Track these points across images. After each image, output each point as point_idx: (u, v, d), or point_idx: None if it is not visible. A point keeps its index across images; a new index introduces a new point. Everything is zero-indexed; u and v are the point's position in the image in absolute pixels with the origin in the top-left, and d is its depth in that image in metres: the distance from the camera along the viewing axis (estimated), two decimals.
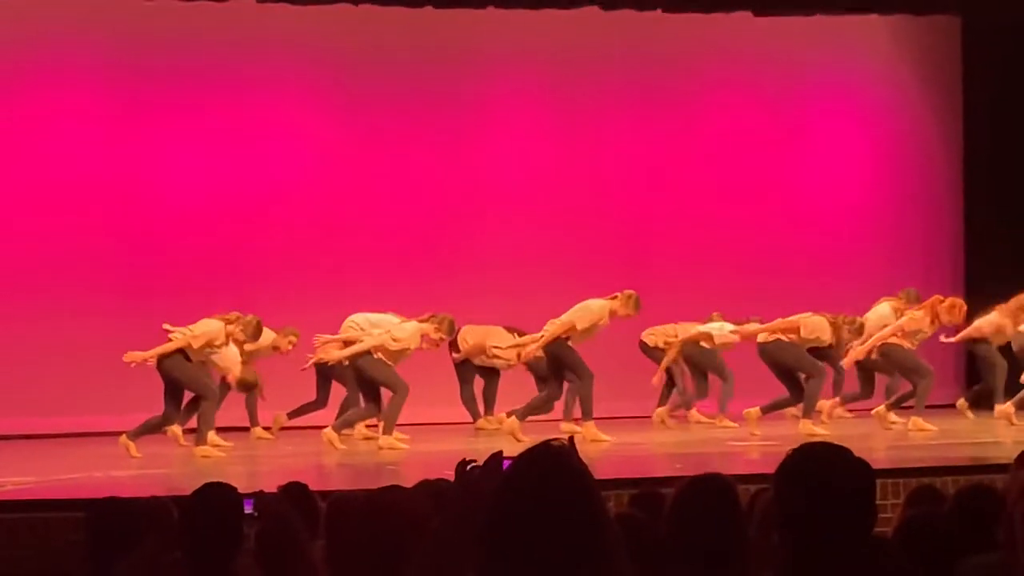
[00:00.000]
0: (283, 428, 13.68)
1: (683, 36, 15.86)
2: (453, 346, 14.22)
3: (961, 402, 14.42)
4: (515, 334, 13.92)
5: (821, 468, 3.24)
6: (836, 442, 3.39)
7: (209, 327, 12.20)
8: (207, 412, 12.20)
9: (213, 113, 15.17)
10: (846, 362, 13.43)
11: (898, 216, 16.47)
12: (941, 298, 13.23)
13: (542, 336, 12.77)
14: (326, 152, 15.45)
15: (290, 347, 13.72)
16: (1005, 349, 13.91)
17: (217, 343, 12.27)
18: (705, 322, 14.37)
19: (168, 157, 15.06)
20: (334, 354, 12.86)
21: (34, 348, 14.34)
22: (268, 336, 13.39)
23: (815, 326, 12.99)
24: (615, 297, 12.83)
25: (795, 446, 3.39)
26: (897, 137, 16.76)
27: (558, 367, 12.82)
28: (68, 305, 14.31)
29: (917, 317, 13.17)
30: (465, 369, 14.35)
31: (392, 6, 14.58)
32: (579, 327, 12.64)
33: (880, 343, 13.19)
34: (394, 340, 12.48)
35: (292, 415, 13.79)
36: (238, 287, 14.53)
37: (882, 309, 13.80)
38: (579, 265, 14.50)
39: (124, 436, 12.00)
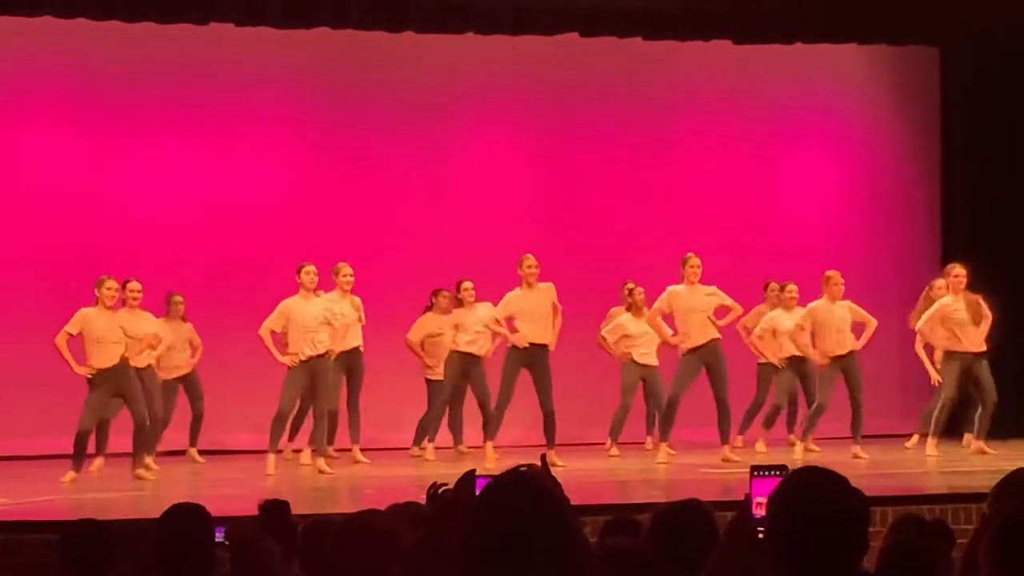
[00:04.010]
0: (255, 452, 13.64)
1: (662, 63, 15.89)
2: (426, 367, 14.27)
3: (968, 439, 14.14)
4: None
5: (820, 495, 3.19)
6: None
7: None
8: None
9: (189, 137, 15.17)
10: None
11: (875, 245, 16.51)
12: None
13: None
14: (304, 175, 15.45)
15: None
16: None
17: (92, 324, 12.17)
18: None
19: (141, 180, 15.05)
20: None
21: (10, 370, 14.30)
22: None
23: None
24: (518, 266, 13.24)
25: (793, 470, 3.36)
26: (875, 166, 16.81)
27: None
28: (42, 327, 14.24)
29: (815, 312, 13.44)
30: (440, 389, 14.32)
31: (372, 30, 14.62)
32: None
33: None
34: None
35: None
36: (212, 312, 14.51)
37: None
38: (557, 290, 14.49)
39: (137, 471, 12.05)
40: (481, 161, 15.89)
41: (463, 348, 13.61)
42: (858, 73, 16.69)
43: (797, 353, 13.98)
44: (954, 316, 13.36)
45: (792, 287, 14.29)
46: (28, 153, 14.86)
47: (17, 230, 14.68)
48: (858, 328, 13.57)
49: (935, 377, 13.68)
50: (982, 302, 13.46)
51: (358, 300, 13.75)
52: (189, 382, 14.02)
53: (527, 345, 13.02)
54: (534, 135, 15.96)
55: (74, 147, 14.97)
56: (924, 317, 13.63)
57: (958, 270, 13.58)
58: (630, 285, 14.21)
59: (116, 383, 12.20)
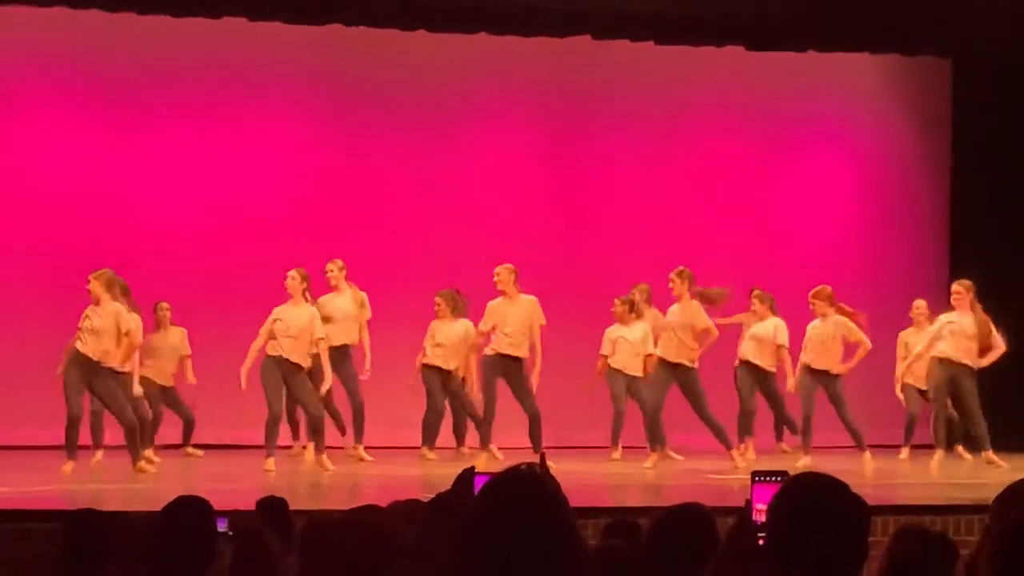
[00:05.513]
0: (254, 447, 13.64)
1: (674, 68, 15.88)
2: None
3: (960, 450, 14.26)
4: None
5: (820, 502, 3.18)
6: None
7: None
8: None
9: (198, 132, 15.17)
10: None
11: (883, 256, 16.49)
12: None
13: None
14: (313, 172, 15.44)
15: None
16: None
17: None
18: None
19: (149, 175, 15.03)
20: None
21: (12, 359, 14.29)
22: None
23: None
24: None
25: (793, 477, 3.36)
26: (885, 176, 16.78)
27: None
28: (44, 317, 14.24)
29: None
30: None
31: (385, 28, 14.61)
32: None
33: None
34: None
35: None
36: (215, 306, 14.50)
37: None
38: (564, 291, 14.49)
39: (136, 464, 11.86)
40: (491, 161, 15.86)
41: (435, 362, 13.63)
42: (870, 83, 16.67)
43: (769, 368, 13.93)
44: (955, 327, 13.29)
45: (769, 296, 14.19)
46: (35, 145, 14.83)
47: (19, 222, 14.65)
48: (850, 349, 13.54)
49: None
50: (994, 331, 13.34)
51: (362, 295, 13.73)
52: (170, 397, 13.90)
53: (503, 354, 12.99)
54: (544, 136, 15.94)
55: (83, 141, 14.94)
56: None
57: (966, 283, 13.50)
58: (618, 307, 14.13)
59: (90, 375, 11.90)
